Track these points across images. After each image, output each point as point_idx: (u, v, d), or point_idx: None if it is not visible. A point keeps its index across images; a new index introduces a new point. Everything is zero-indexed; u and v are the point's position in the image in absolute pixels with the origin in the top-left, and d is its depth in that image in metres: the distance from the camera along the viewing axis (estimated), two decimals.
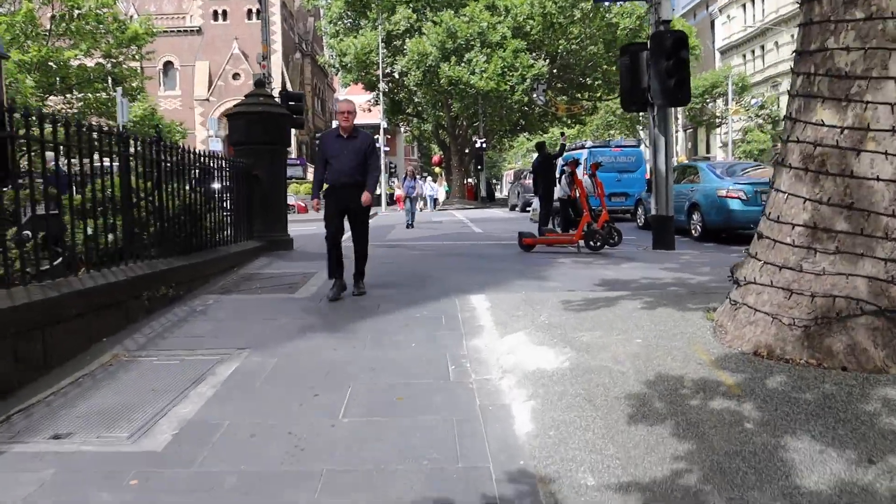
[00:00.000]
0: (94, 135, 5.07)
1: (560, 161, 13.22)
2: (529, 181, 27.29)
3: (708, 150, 62.97)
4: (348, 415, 3.38)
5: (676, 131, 59.46)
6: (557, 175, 12.47)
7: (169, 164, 6.50)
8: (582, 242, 9.69)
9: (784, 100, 51.49)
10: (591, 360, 3.77)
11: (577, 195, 10.07)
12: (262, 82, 9.97)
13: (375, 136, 44.72)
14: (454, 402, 3.49)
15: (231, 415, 3.41)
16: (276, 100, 13.47)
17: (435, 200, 38.40)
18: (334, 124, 32.06)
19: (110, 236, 5.32)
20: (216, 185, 8.20)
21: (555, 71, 37.03)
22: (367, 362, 4.21)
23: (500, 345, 4.35)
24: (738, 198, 12.28)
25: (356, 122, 6.47)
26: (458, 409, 3.39)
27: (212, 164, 8.01)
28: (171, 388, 3.79)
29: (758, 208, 12.39)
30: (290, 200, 31.58)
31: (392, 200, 41.13)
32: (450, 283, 7.01)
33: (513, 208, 30.11)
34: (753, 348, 3.70)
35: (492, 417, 3.27)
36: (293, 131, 51.77)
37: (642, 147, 20.16)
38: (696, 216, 13.15)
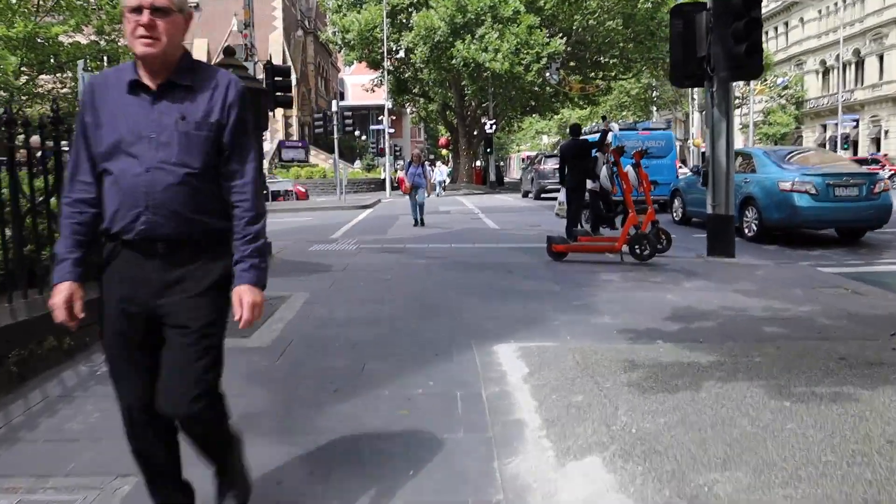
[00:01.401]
0: None
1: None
2: (546, 166, 25.38)
3: None
4: None
5: (692, 112, 57.13)
6: (598, 166, 10.56)
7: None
8: (625, 248, 7.81)
9: (809, 79, 49.22)
10: None
11: (622, 190, 8.16)
12: (231, 50, 8.08)
13: (380, 118, 42.76)
14: None
15: None
16: (257, 73, 11.58)
17: (443, 183, 36.49)
18: (335, 106, 29.85)
19: None
20: None
21: (568, 49, 34.80)
22: None
23: (560, 482, 2.50)
24: (807, 192, 10.35)
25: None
26: None
27: None
28: None
29: (830, 205, 10.44)
30: (288, 186, 29.74)
31: (396, 185, 39.15)
32: (466, 317, 5.16)
33: (525, 195, 28.15)
34: None
35: None
36: (294, 111, 49.84)
37: (672, 130, 18.19)
38: (750, 212, 11.22)
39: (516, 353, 4.12)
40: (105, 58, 39.88)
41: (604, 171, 9.59)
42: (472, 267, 7.61)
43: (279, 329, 4.79)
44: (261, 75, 12.46)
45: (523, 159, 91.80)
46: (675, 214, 14.66)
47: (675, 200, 14.87)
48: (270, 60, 11.91)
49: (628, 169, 8.64)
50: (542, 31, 32.48)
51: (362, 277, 6.83)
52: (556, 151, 58.72)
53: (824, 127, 47.64)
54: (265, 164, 43.53)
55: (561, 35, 33.31)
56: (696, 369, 3.60)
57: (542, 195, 24.95)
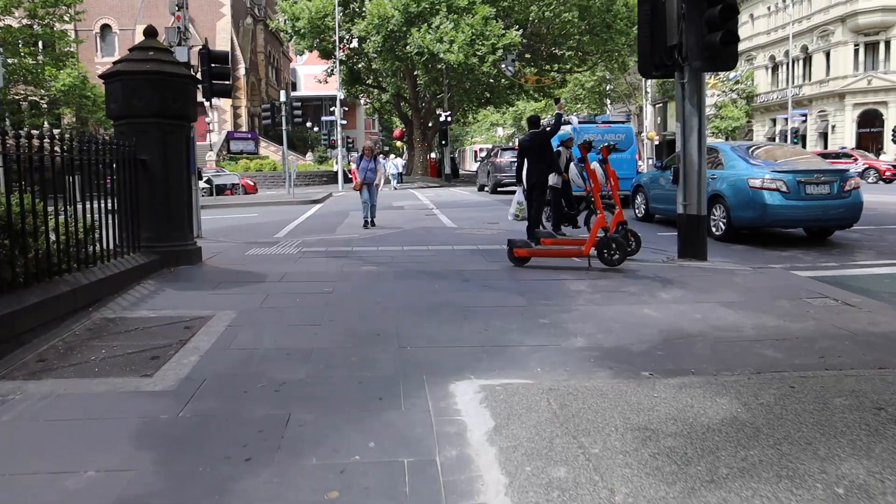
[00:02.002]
0: None
1: (558, 141, 10.69)
2: (502, 159, 24.73)
3: None
4: None
5: (645, 105, 57.45)
6: (562, 160, 9.92)
7: None
8: (593, 252, 7.14)
9: (760, 75, 49.85)
10: None
11: (591, 189, 7.48)
12: (151, 30, 7.11)
13: (332, 109, 41.50)
14: None
15: None
16: (191, 58, 10.56)
17: (399, 176, 35.55)
18: (284, 96, 28.82)
19: None
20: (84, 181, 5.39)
21: (524, 41, 34.17)
22: None
23: None
24: (778, 190, 9.90)
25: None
26: None
27: (56, 149, 5.20)
28: None
29: (801, 204, 10.00)
30: (234, 179, 28.41)
31: (349, 178, 37.98)
32: (417, 343, 4.39)
33: (481, 188, 27.49)
34: None
35: None
36: (243, 101, 48.03)
37: (632, 123, 17.71)
38: (718, 210, 10.74)
39: (478, 395, 3.37)
40: (40, 43, 37.68)
41: (573, 170, 8.93)
42: (426, 275, 6.82)
43: (191, 364, 3.93)
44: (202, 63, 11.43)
45: (475, 152, 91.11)
46: (637, 211, 14.16)
47: (638, 196, 14.37)
48: (206, 45, 10.89)
49: (595, 165, 8.00)
50: (497, 22, 31.81)
51: (300, 290, 5.99)
52: (512, 144, 58.41)
53: (774, 121, 48.37)
54: (212, 156, 41.90)
55: (517, 27, 32.68)
56: (705, 427, 2.91)
57: (499, 189, 24.32)
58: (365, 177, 12.48)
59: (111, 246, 6.38)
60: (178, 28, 10.94)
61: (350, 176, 42.37)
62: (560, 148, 10.60)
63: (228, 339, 4.45)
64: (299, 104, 24.54)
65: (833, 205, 10.15)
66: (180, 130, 7.21)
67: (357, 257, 8.00)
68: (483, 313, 5.15)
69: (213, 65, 11.11)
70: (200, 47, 11.10)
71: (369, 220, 12.65)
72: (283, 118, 22.45)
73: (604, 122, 16.36)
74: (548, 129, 9.62)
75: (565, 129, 17.65)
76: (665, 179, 12.99)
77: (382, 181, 12.99)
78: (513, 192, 24.83)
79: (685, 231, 8.16)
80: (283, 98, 23.64)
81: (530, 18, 33.44)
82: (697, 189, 8.00)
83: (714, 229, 10.65)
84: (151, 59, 6.87)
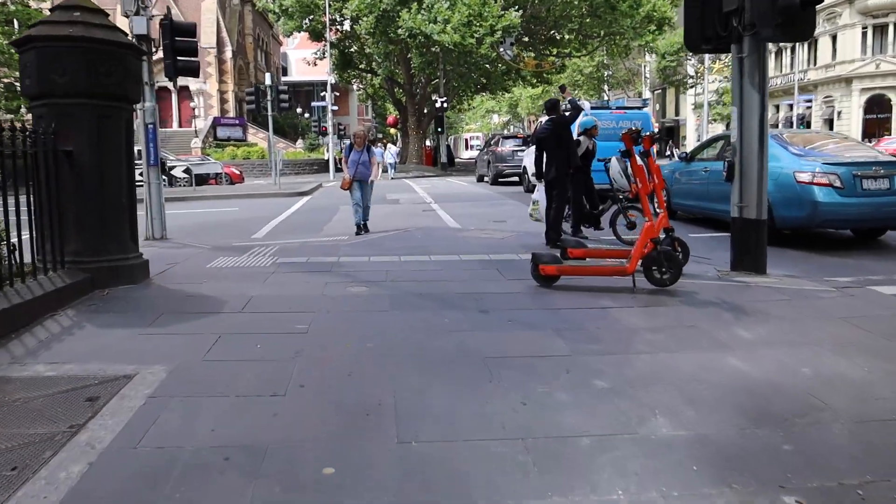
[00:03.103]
0: None
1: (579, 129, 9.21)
2: (504, 148, 23.20)
3: (677, 113, 59.60)
4: None
5: (644, 92, 55.96)
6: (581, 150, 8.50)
7: None
8: (639, 266, 5.68)
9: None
10: None
11: (638, 189, 6.00)
12: None
13: (322, 94, 39.66)
14: None
15: None
16: (151, 30, 9.04)
17: (394, 165, 34.01)
18: (270, 79, 26.94)
19: None
20: None
21: (523, 23, 32.45)
22: None
23: None
24: (831, 185, 8.48)
25: None
26: None
27: None
28: None
29: (857, 201, 8.60)
30: (217, 168, 26.68)
31: (340, 167, 36.16)
32: (424, 432, 2.94)
33: (480, 179, 25.96)
34: None
35: None
36: (230, 85, 46.15)
37: (648, 109, 16.22)
38: None
39: None
40: (15, 21, 35.83)
41: (616, 166, 7.42)
42: (431, 301, 5.34)
43: (68, 485, 2.48)
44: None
45: (466, 140, 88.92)
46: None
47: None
48: (169, 15, 9.35)
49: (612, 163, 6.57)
50: (496, 2, 30.15)
51: (265, 328, 4.52)
52: (508, 132, 57.10)
53: (777, 107, 46.96)
54: (198, 142, 40.15)
55: (516, 7, 31.01)
56: None
57: (500, 180, 22.84)
58: (356, 171, 9.63)
59: (25, 262, 4.90)
60: None
61: (340, 166, 40.79)
62: (581, 137, 9.13)
63: (144, 423, 2.99)
64: (286, 88, 22.93)
65: (891, 202, 8.76)
66: (118, 114, 5.69)
67: (343, 273, 6.51)
68: (516, 369, 3.71)
69: (177, 38, 9.55)
70: (163, 17, 9.54)
71: (362, 224, 10.00)
72: (269, 103, 20.84)
73: (618, 108, 14.85)
74: (566, 115, 8.15)
75: (589, 117, 16.12)
76: (691, 172, 11.58)
77: (379, 175, 10.36)
78: (515, 183, 23.58)
79: (741, 238, 6.72)
80: (268, 81, 21.97)
81: None
82: (758, 187, 6.57)
83: None
84: (77, 21, 5.33)
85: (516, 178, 22.40)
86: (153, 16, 9.56)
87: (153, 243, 9.03)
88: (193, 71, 9.72)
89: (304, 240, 9.31)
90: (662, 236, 6.27)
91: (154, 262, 6.52)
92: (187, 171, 21.75)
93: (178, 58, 9.59)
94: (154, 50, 9.71)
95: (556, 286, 5.75)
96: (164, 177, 22.85)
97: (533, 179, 11.76)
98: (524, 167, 19.40)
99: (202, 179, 25.67)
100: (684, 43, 7.00)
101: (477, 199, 17.42)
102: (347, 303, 5.27)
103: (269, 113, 21.28)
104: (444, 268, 6.72)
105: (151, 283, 5.98)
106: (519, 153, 21.83)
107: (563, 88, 8.49)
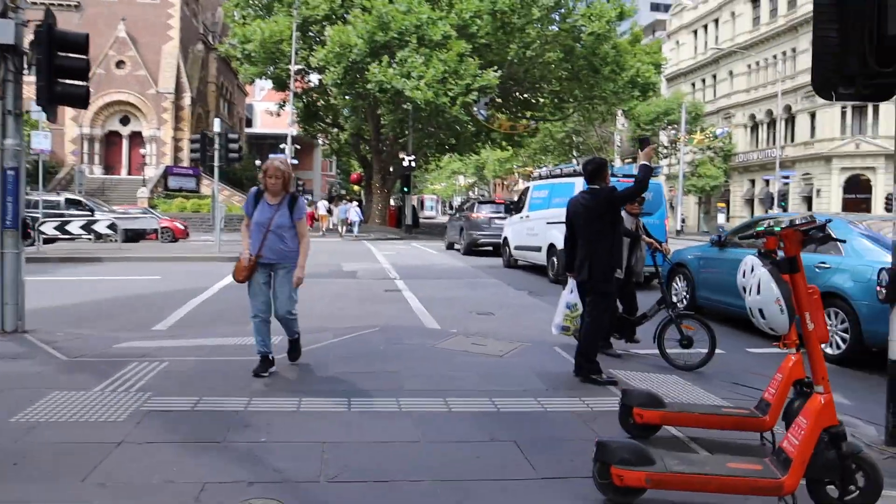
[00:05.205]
0: None
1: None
2: (479, 214, 20.75)
3: None
4: None
5: (615, 160, 54.83)
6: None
7: None
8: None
9: (737, 133, 47.72)
10: None
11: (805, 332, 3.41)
12: None
13: (282, 146, 37.02)
14: None
15: None
16: (24, 36, 6.37)
17: (358, 224, 31.50)
18: (219, 125, 23.96)
19: None
20: None
21: (499, 83, 30.57)
22: None
23: None
24: None
25: None
26: None
27: None
28: None
29: None
30: (153, 224, 23.45)
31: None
32: None
33: (450, 247, 23.39)
34: None
35: None
36: (186, 133, 43.26)
37: (661, 178, 13.98)
38: (832, 317, 6.94)
39: None
40: None
41: (769, 283, 4.75)
42: None
43: None
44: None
45: (421, 201, 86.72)
46: (677, 299, 10.25)
47: (677, 279, 10.49)
48: (50, 17, 6.70)
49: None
50: (474, 59, 28.32)
51: None
52: (480, 197, 55.12)
53: (752, 182, 46.07)
54: (145, 192, 36.97)
55: (495, 67, 29.22)
56: None
57: (474, 250, 20.31)
58: (262, 245, 5.10)
59: None
60: None
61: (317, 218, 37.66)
62: (624, 212, 6.63)
63: None
64: (237, 137, 20.24)
65: None
66: None
67: (243, 451, 3.67)
68: None
69: (59, 52, 6.87)
70: (40, 22, 6.85)
71: (269, 357, 5.33)
72: (216, 152, 18.20)
73: (625, 176, 12.54)
74: (624, 190, 5.54)
75: (571, 181, 13.76)
76: (727, 261, 9.17)
77: (308, 252, 5.31)
78: (489, 254, 20.88)
79: None
80: (217, 128, 19.31)
81: (509, 58, 30.05)
82: None
83: (826, 346, 6.80)
84: None
85: (490, 248, 19.94)
86: (27, 22, 6.88)
87: None
88: (78, 99, 6.98)
89: (217, 342, 6.47)
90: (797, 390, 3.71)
91: None
92: (111, 226, 18.65)
93: (60, 80, 6.87)
94: (27, 67, 7.01)
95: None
96: (84, 232, 19.94)
97: (558, 268, 9.06)
98: (505, 237, 16.98)
99: (139, 235, 22.56)
100: (812, 83, 4.55)
101: (451, 274, 14.76)
102: None
103: (216, 164, 18.57)
104: (425, 435, 3.96)
105: None
106: (497, 220, 19.43)
107: (643, 142, 5.71)
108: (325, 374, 5.35)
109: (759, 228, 3.83)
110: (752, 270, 3.79)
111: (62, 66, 6.94)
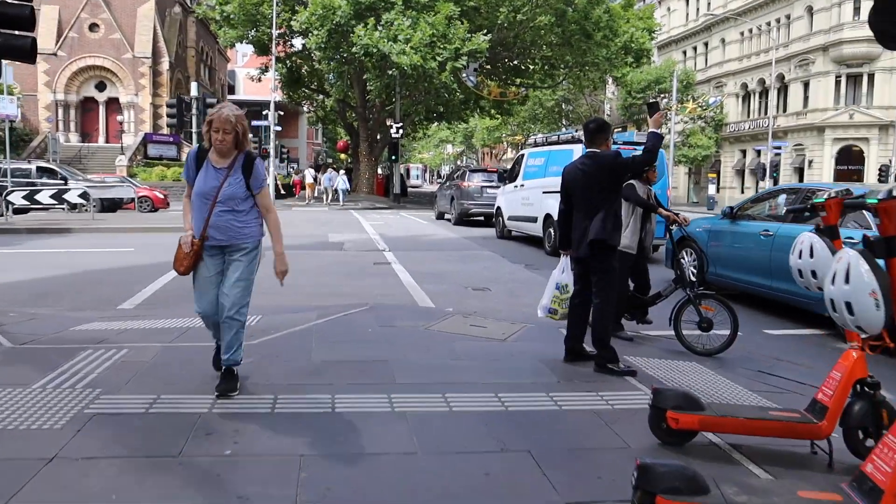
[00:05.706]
0: None
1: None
2: (471, 183, 20.02)
3: None
4: None
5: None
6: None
7: None
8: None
9: (730, 103, 47.00)
10: None
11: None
12: None
13: (265, 113, 35.86)
14: None
15: None
16: None
17: (346, 192, 30.81)
18: (195, 89, 22.68)
19: None
20: None
21: (488, 49, 29.53)
22: None
23: None
24: None
25: None
26: None
27: None
28: None
29: None
30: (130, 192, 22.59)
31: (283, 193, 32.33)
32: None
33: (440, 216, 22.71)
34: None
35: None
36: (165, 98, 41.76)
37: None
38: None
39: None
40: None
41: (859, 265, 3.99)
42: None
43: None
44: None
45: (407, 170, 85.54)
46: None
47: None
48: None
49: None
50: (463, 23, 27.29)
51: None
52: (470, 165, 54.34)
53: (744, 152, 45.52)
54: (123, 160, 35.81)
55: (485, 31, 28.20)
56: None
57: (465, 219, 19.65)
58: (207, 222, 3.89)
59: None
60: None
61: (293, 188, 36.68)
62: (634, 181, 5.98)
63: None
64: (215, 101, 19.29)
65: None
66: None
67: (206, 481, 2.97)
68: None
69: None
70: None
71: (223, 368, 4.06)
72: (194, 118, 17.28)
73: (626, 143, 11.87)
74: (630, 158, 4.88)
75: (570, 148, 12.98)
76: (740, 234, 8.64)
77: (280, 231, 4.14)
78: (482, 224, 20.22)
79: None
80: (194, 92, 18.35)
81: (498, 22, 29.03)
82: None
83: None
84: None
85: (482, 219, 19.31)
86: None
87: None
88: (22, 52, 6.17)
89: (186, 323, 5.81)
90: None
91: None
92: (84, 194, 17.73)
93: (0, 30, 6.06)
94: None
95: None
96: (55, 201, 18.98)
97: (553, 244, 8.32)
98: (498, 207, 16.31)
99: (116, 205, 21.65)
100: (877, 37, 3.87)
101: (443, 246, 14.10)
102: None
103: (194, 130, 17.66)
104: (422, 444, 3.32)
105: None
106: (490, 189, 18.74)
107: (652, 106, 5.01)
108: (307, 364, 4.70)
109: (816, 200, 3.16)
110: (812, 251, 3.16)
111: (3, 13, 6.12)
